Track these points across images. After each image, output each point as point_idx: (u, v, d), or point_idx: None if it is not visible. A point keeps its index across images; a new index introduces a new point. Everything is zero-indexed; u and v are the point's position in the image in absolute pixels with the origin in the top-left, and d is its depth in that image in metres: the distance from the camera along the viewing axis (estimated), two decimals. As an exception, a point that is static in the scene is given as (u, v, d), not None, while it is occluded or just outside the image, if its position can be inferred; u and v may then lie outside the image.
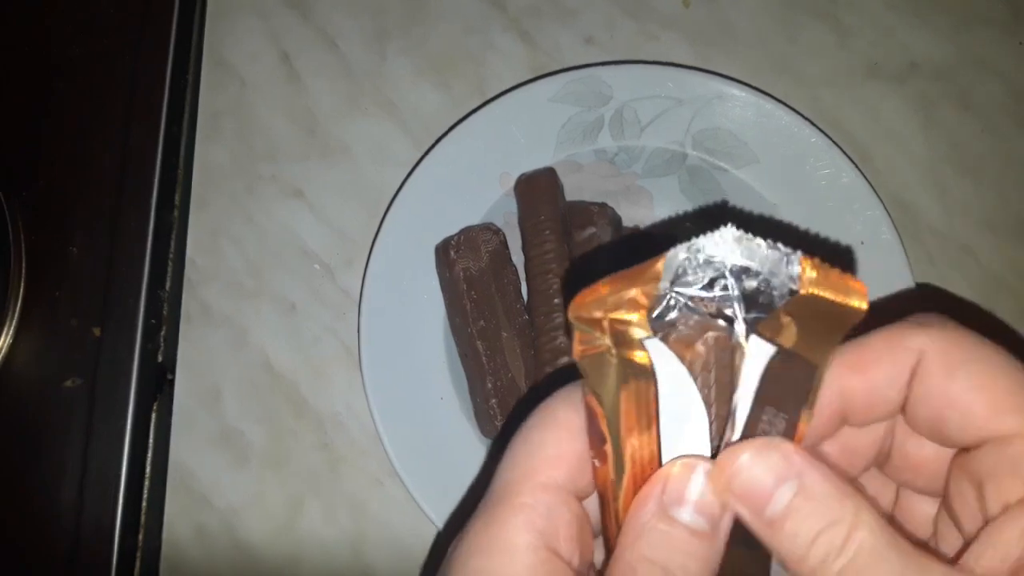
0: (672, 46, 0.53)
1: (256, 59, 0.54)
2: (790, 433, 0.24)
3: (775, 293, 0.24)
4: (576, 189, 0.47)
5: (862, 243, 0.44)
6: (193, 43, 0.54)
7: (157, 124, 0.51)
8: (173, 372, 0.50)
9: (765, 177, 0.46)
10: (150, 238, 0.50)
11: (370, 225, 0.50)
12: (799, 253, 0.24)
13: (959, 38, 0.52)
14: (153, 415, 0.49)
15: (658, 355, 0.24)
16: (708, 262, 0.24)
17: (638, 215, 0.49)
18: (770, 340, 0.24)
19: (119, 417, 0.48)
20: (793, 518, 0.22)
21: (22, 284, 0.50)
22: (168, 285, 0.50)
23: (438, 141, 0.48)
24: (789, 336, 0.24)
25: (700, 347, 0.24)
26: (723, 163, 0.47)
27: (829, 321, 0.24)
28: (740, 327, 0.24)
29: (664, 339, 0.24)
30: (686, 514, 0.23)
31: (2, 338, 0.49)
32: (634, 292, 0.23)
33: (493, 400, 0.43)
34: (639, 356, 0.24)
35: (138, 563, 0.47)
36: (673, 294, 0.24)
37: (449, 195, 0.47)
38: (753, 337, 0.24)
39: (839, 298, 0.23)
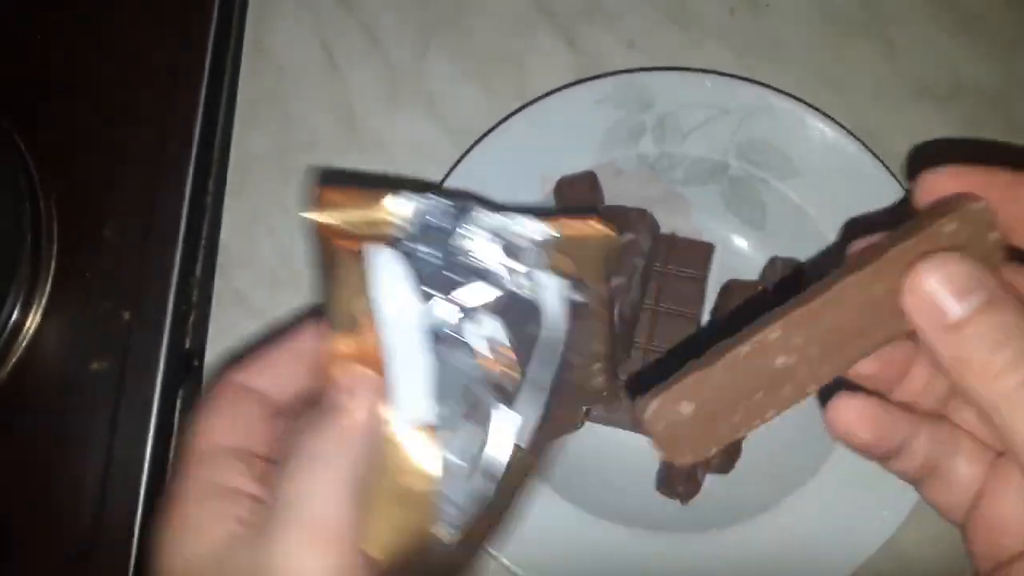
0: (715, 54, 0.52)
1: (296, 48, 0.54)
2: (599, 340, 0.31)
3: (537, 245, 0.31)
4: (616, 193, 0.47)
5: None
6: (234, 28, 0.54)
7: (195, 108, 0.51)
8: (200, 358, 0.50)
9: (807, 190, 0.46)
10: (183, 224, 0.49)
11: (405, 221, 0.50)
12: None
13: (1008, 61, 0.51)
14: (179, 401, 0.49)
15: (375, 259, 0.29)
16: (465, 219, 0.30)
17: (675, 222, 0.48)
18: (557, 272, 0.31)
19: (145, 401, 0.47)
20: (978, 322, 0.23)
21: (53, 264, 0.50)
22: (198, 271, 0.50)
23: (479, 140, 0.47)
24: (569, 266, 0.31)
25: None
26: (765, 174, 0.46)
27: (591, 251, 0.31)
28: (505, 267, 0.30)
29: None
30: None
31: (31, 318, 0.49)
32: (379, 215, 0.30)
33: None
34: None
35: (158, 549, 0.47)
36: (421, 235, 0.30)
37: (488, 195, 0.46)
38: (546, 273, 0.31)
39: (589, 232, 0.31)
